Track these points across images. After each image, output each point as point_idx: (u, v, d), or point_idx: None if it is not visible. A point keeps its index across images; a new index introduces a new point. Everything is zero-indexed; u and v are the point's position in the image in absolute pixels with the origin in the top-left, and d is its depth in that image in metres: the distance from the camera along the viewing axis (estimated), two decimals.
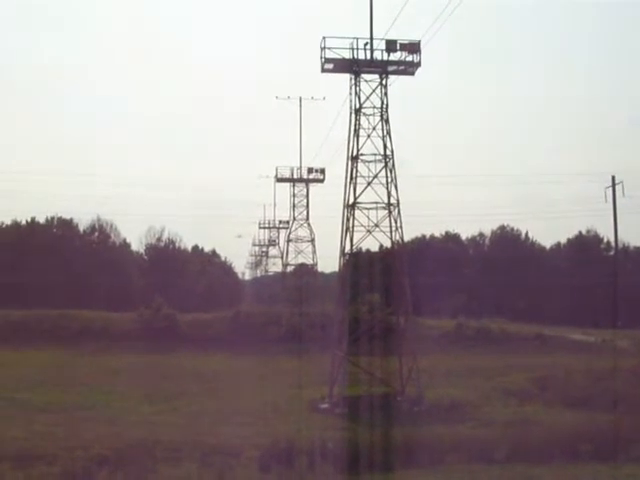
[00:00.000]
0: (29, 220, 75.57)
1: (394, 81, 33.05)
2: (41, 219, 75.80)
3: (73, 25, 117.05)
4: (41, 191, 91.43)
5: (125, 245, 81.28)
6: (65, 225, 77.57)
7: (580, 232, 78.02)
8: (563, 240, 80.00)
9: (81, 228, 78.39)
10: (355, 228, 32.33)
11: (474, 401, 29.13)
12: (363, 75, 32.55)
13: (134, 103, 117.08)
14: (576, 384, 30.89)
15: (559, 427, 23.84)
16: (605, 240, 76.26)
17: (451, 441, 22.05)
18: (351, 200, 32.38)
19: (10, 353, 41.73)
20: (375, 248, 37.33)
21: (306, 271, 70.57)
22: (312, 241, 70.23)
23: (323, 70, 32.81)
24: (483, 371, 36.62)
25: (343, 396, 30.39)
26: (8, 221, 75.70)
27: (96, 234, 79.45)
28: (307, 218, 69.98)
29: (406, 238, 35.23)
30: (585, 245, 76.71)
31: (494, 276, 67.85)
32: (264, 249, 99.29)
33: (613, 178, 55.93)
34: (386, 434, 23.47)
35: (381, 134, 32.60)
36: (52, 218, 76.40)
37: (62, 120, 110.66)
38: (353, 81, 32.60)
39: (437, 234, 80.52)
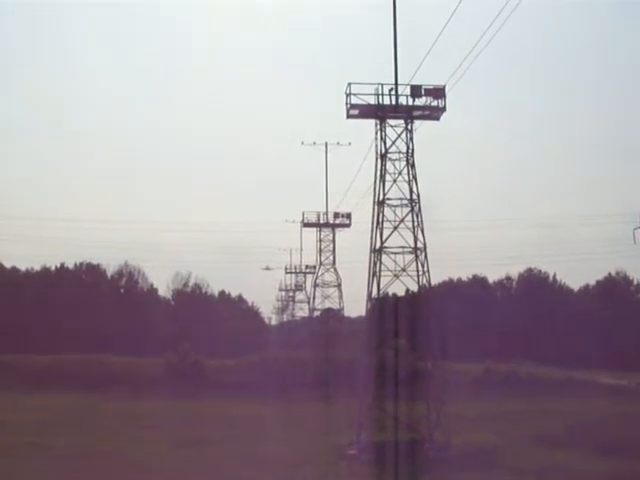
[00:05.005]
0: (58, 266, 76.43)
1: (419, 126, 33.22)
2: (70, 265, 76.69)
3: (95, 68, 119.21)
4: (70, 237, 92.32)
5: (152, 290, 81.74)
6: (93, 271, 78.31)
7: (609, 274, 77.34)
8: (592, 282, 79.30)
9: (109, 274, 79.09)
10: (382, 273, 32.24)
11: (503, 447, 28.65)
12: (388, 120, 32.69)
13: (161, 148, 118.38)
14: (609, 430, 30.29)
15: (592, 475, 23.35)
16: (635, 282, 75.46)
17: None
18: (378, 245, 32.36)
19: (36, 398, 41.87)
20: (402, 292, 37.20)
21: (332, 316, 70.30)
22: (339, 286, 70.08)
23: (348, 116, 33.05)
24: (512, 416, 36.10)
25: (370, 442, 30.04)
26: (37, 267, 76.65)
27: (124, 279, 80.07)
28: (334, 263, 69.93)
29: (433, 282, 35.05)
30: (614, 287, 75.92)
31: (522, 319, 67.20)
32: (291, 294, 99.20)
33: None
34: None
35: (407, 178, 32.65)
36: (81, 264, 77.20)
37: (88, 166, 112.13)
38: (378, 126, 32.77)
39: (464, 278, 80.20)
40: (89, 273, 78.63)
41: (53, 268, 76.65)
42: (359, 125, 35.22)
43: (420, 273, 32.41)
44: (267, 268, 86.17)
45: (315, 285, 71.88)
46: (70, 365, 50.68)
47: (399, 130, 32.79)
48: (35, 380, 46.97)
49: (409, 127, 32.75)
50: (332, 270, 70.06)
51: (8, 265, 75.13)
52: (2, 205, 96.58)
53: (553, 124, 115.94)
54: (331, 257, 69.71)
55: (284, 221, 72.83)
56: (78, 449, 28.50)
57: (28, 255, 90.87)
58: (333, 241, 69.14)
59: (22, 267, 77.01)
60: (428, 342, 32.75)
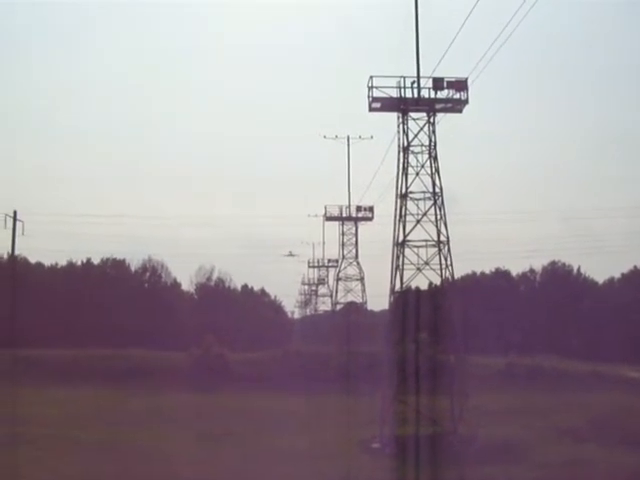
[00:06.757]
0: (84, 261, 77.03)
1: (442, 118, 33.14)
2: (96, 260, 77.26)
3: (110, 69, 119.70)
4: (95, 233, 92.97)
5: (176, 285, 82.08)
6: (118, 266, 78.74)
7: (635, 266, 76.55)
8: (617, 275, 78.55)
9: (133, 268, 79.53)
10: (405, 266, 32.24)
11: (528, 441, 28.53)
12: (411, 113, 32.68)
13: (181, 143, 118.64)
14: (634, 424, 30.06)
15: (617, 469, 23.21)
16: None
17: None
18: (400, 238, 32.34)
19: (63, 391, 42.24)
20: (425, 286, 37.15)
21: (355, 309, 70.30)
22: (361, 279, 70.13)
23: (371, 109, 33.05)
24: (536, 410, 35.90)
25: (394, 436, 30.05)
26: (63, 262, 77.23)
27: (147, 274, 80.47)
28: (356, 256, 70.02)
29: (456, 275, 34.99)
30: None
31: (546, 313, 66.76)
32: (313, 288, 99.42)
33: None
34: (438, 474, 23.11)
35: (430, 172, 32.62)
36: (107, 259, 77.70)
37: (112, 162, 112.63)
38: (401, 119, 32.75)
39: (487, 271, 79.80)
40: (114, 268, 79.02)
41: (79, 263, 77.23)
42: (381, 118, 35.23)
43: (443, 266, 32.39)
44: (290, 254, 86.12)
45: (338, 279, 71.99)
46: (95, 359, 51.02)
47: (421, 123, 32.79)
48: (61, 374, 47.34)
49: (431, 120, 32.73)
50: (355, 264, 70.17)
51: (33, 260, 75.78)
52: (27, 201, 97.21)
53: (575, 117, 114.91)
54: (354, 251, 69.84)
55: (306, 215, 72.94)
56: (103, 441, 28.78)
57: (53, 251, 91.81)
58: (356, 234, 69.27)
59: (47, 262, 77.73)
60: (451, 335, 32.72)
